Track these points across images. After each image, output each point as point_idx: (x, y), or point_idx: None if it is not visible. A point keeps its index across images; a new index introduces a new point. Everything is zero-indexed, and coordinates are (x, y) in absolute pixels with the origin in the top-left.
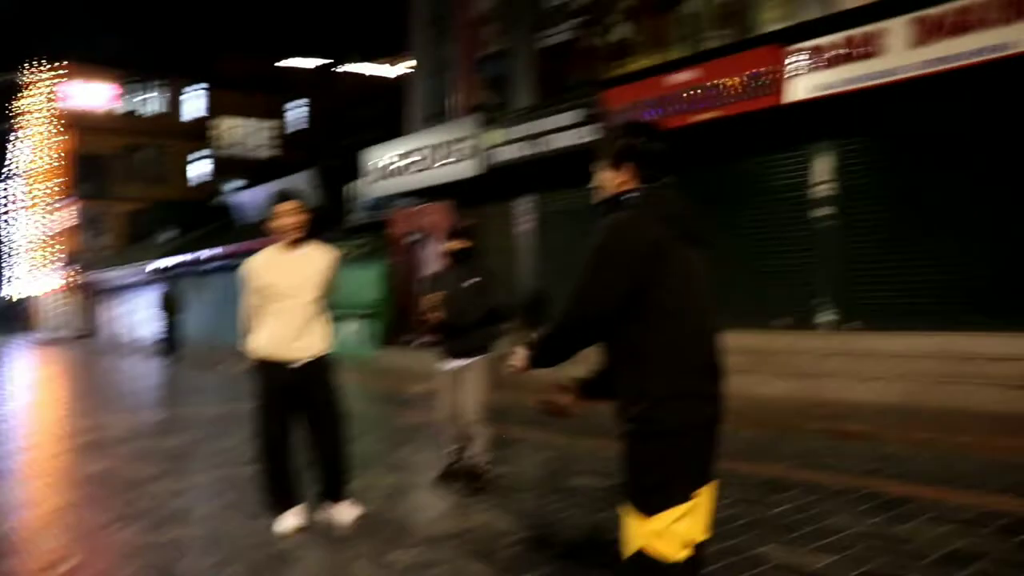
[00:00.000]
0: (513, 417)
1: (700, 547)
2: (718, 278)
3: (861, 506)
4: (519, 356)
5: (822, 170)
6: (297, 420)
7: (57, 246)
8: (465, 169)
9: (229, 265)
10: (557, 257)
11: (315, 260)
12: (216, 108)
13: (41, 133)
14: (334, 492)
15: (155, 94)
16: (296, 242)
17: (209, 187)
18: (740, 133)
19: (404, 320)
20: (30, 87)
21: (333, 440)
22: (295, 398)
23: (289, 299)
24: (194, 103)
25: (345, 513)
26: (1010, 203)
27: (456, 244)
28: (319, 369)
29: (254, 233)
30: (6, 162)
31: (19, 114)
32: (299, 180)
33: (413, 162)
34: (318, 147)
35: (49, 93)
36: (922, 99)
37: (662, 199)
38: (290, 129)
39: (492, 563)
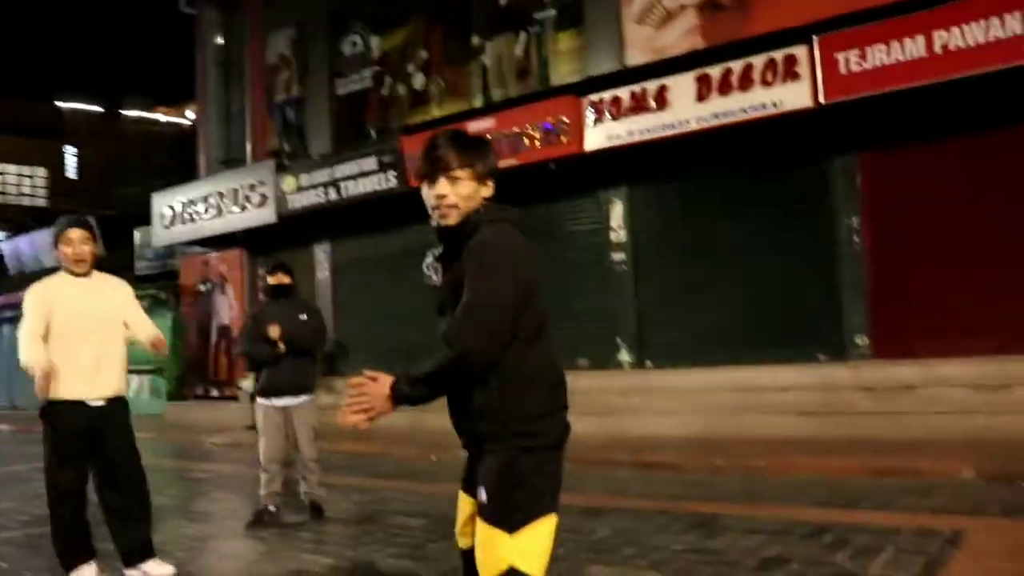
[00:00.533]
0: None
1: None
2: None
3: (675, 526)
4: (373, 400)
5: (617, 215)
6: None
7: None
8: (259, 216)
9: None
10: (353, 305)
11: (111, 291)
12: None
13: None
14: (144, 547)
15: None
16: (86, 273)
17: None
18: (539, 179)
19: (196, 372)
20: None
21: (139, 489)
22: (93, 442)
23: (86, 332)
24: None
25: (158, 570)
26: (786, 249)
27: (278, 279)
28: (120, 409)
29: (31, 281)
30: None
31: None
32: None
33: (204, 209)
34: (99, 195)
35: None
36: (706, 150)
37: (524, 217)
38: (69, 175)
39: None
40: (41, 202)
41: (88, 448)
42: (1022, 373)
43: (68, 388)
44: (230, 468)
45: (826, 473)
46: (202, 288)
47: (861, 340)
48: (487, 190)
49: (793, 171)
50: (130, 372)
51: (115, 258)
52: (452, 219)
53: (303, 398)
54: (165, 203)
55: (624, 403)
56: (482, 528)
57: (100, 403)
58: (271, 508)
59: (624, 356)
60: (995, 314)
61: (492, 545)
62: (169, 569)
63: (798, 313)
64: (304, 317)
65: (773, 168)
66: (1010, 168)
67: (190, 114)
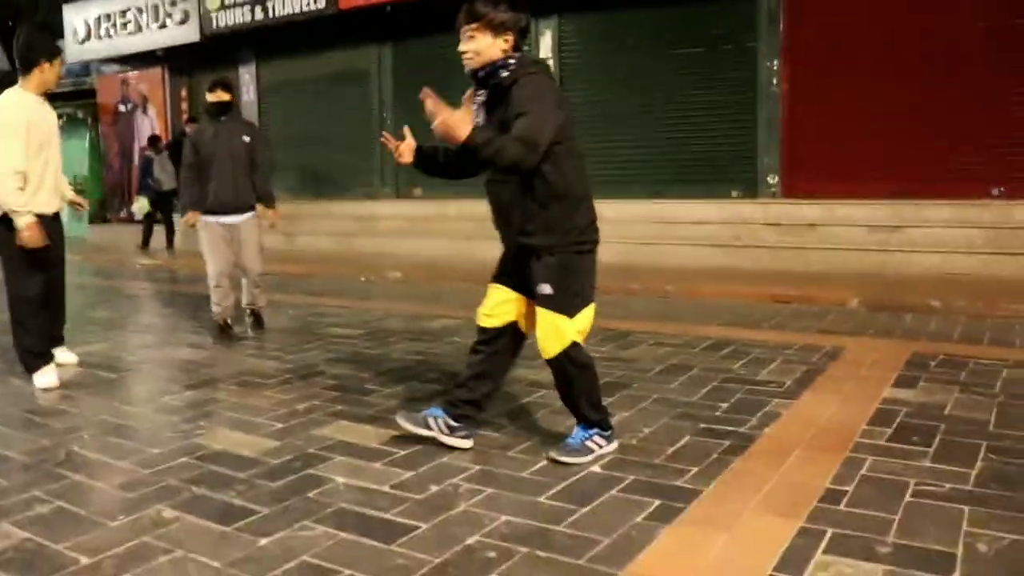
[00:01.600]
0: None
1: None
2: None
3: (593, 338)
4: (461, 121)
5: (546, 46)
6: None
7: None
8: (182, 34)
9: None
10: (279, 128)
11: (53, 114)
12: None
13: None
14: (58, 339)
15: None
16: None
17: None
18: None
19: (118, 195)
20: None
21: (62, 289)
22: (51, 249)
23: (50, 151)
24: None
25: (65, 356)
26: (709, 88)
27: (218, 96)
28: (59, 223)
29: None
30: None
31: None
32: None
33: (123, 24)
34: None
35: None
36: None
37: (546, 65)
38: None
39: (268, 388)
40: None
41: (47, 253)
42: (913, 216)
43: (36, 203)
44: (165, 287)
45: (731, 298)
46: (122, 108)
47: (772, 179)
48: (505, 41)
49: (720, 10)
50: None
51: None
52: (475, 64)
53: (247, 215)
54: (79, 17)
55: None
56: (546, 315)
57: (50, 214)
58: (228, 321)
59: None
60: (895, 160)
61: (557, 328)
62: (73, 357)
63: (716, 151)
64: (247, 139)
65: (701, 6)
66: (927, 19)
67: None
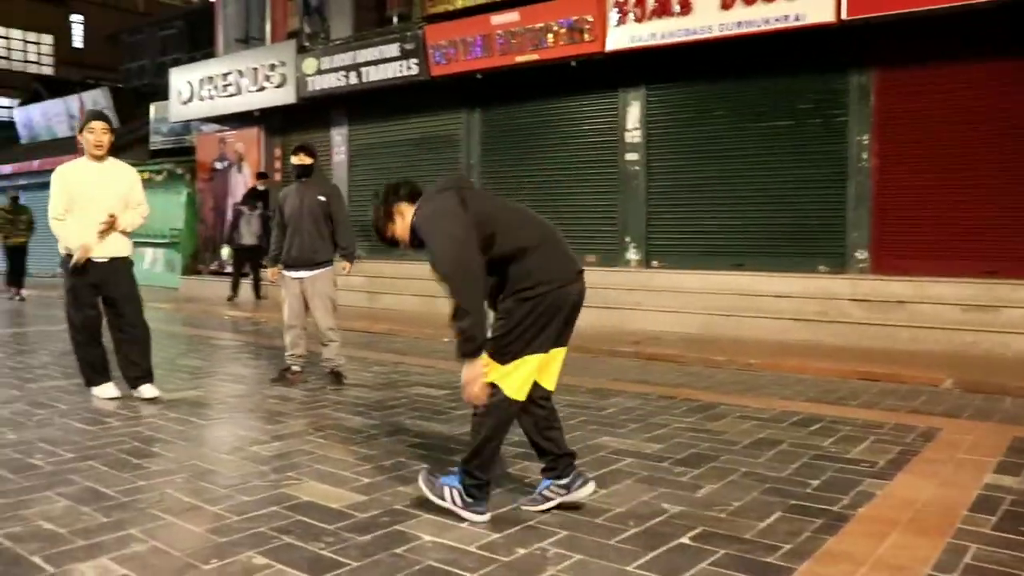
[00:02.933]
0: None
1: (546, 397)
2: (533, 210)
3: (676, 409)
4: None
5: (633, 116)
6: (106, 309)
7: None
8: (278, 96)
9: (14, 186)
10: (367, 189)
11: (120, 174)
12: None
13: None
14: (144, 374)
15: None
16: (101, 158)
17: None
18: (558, 76)
19: (210, 248)
20: None
21: (138, 327)
22: (101, 288)
23: (97, 207)
24: None
25: (151, 392)
26: (796, 161)
27: (300, 159)
28: (122, 265)
29: (44, 151)
30: None
31: None
32: (92, 98)
33: (223, 86)
34: (105, 66)
35: None
36: (725, 57)
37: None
38: (75, 44)
39: (353, 444)
40: (47, 70)
41: (97, 293)
42: (1008, 297)
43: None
44: (252, 339)
45: (817, 374)
46: (218, 165)
47: (861, 255)
48: (403, 214)
49: (808, 84)
50: (146, 245)
51: (126, 130)
52: (410, 243)
53: (319, 270)
54: (183, 79)
55: (628, 299)
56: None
57: (104, 260)
58: (295, 368)
59: (631, 255)
60: (989, 238)
61: (489, 371)
62: (157, 392)
63: (803, 225)
64: (323, 198)
65: (789, 80)
66: (1016, 96)
67: None
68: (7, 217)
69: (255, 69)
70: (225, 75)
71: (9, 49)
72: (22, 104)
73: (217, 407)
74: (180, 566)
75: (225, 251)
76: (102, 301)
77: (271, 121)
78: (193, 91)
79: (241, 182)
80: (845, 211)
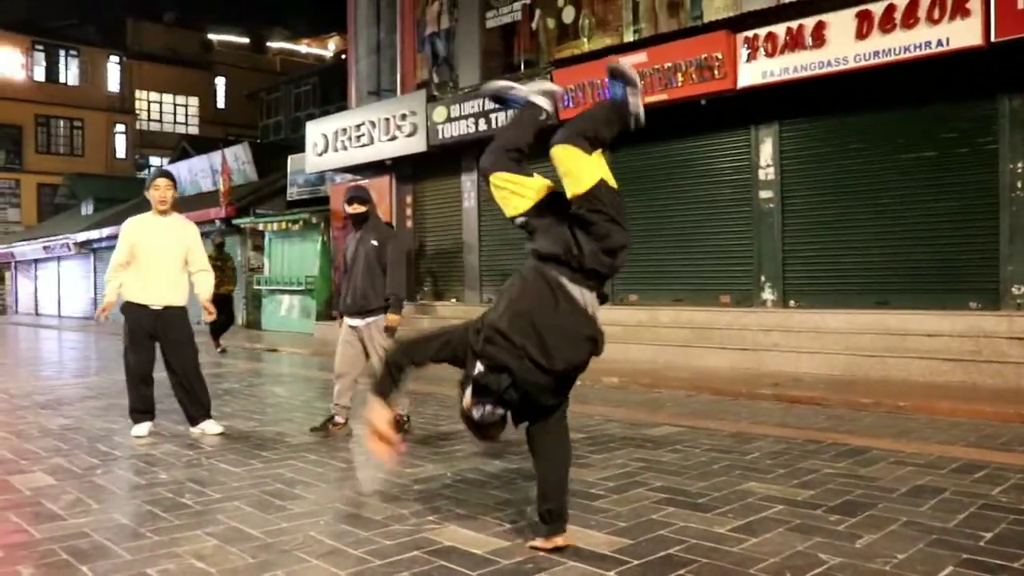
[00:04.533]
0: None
1: None
2: (667, 255)
3: (826, 454)
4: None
5: (766, 153)
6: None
7: None
8: (409, 145)
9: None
10: (496, 233)
11: (181, 230)
12: (137, 81)
13: None
14: (201, 412)
15: (73, 63)
16: (165, 212)
17: (131, 161)
18: (688, 114)
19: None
20: None
21: (191, 370)
22: (156, 335)
23: (158, 257)
24: (114, 75)
25: (213, 428)
26: (942, 192)
27: (354, 208)
28: (177, 314)
29: (191, 205)
30: None
31: None
32: (232, 154)
33: (356, 137)
34: (244, 123)
35: None
36: (862, 88)
37: None
38: (218, 104)
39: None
40: (194, 129)
41: (153, 338)
42: None
43: (138, 295)
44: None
45: (973, 416)
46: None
47: (1018, 290)
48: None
49: (953, 111)
50: (283, 293)
51: (265, 183)
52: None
53: (371, 318)
54: (318, 131)
55: (766, 340)
56: None
57: (158, 307)
58: (338, 419)
59: (767, 294)
60: None
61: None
62: (219, 428)
63: (950, 259)
64: (375, 243)
65: (932, 108)
66: None
67: (332, 46)
68: (214, 263)
69: (387, 119)
70: (358, 126)
71: (161, 112)
72: (171, 162)
73: (354, 449)
74: None
75: None
76: (159, 346)
77: (402, 169)
78: (328, 143)
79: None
80: (998, 244)
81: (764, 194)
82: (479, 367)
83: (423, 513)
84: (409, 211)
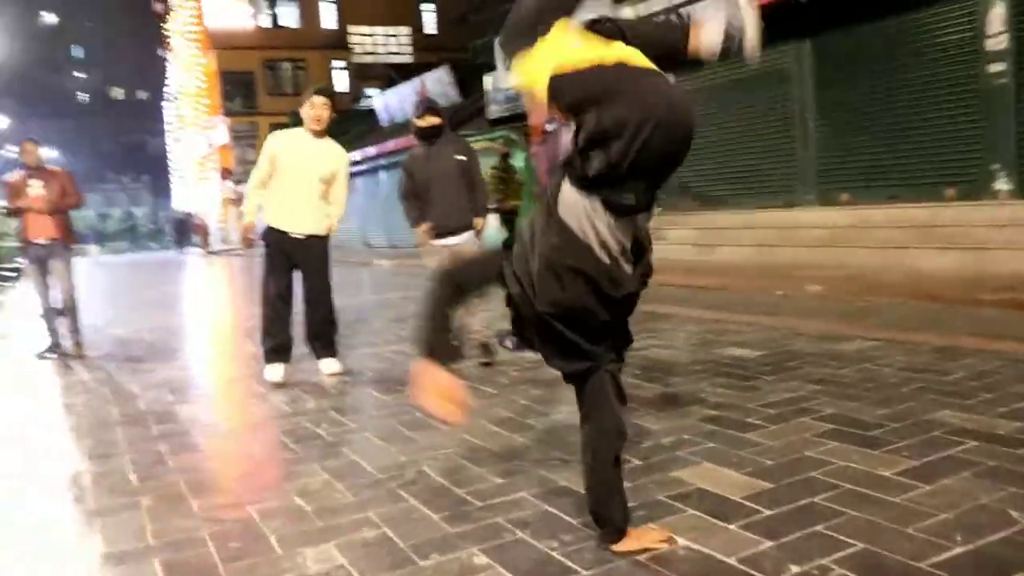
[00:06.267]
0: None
1: None
2: (880, 148)
3: None
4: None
5: (995, 18)
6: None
7: (213, 163)
8: None
9: (375, 166)
10: (700, 137)
11: (330, 156)
12: (350, 17)
13: (191, 54)
14: (327, 347)
15: (293, 7)
16: (320, 133)
17: (351, 94)
18: None
19: None
20: (176, 9)
21: (324, 305)
22: (294, 264)
23: (300, 181)
24: (328, 14)
25: (334, 366)
26: None
27: (428, 121)
28: (316, 244)
29: (399, 132)
30: (167, 84)
31: (168, 38)
32: (434, 78)
33: None
34: (456, 48)
35: (192, 14)
36: None
37: None
38: (428, 31)
39: None
40: (407, 58)
41: (291, 266)
42: None
43: (278, 219)
44: None
45: None
46: (548, 127)
47: None
48: None
49: None
50: (488, 210)
51: (469, 103)
52: None
53: (464, 236)
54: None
55: (998, 237)
56: None
57: (300, 236)
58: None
59: (1000, 184)
60: None
61: None
62: (336, 367)
63: None
64: (460, 158)
65: None
66: None
67: None
68: (499, 175)
69: None
70: None
71: (374, 44)
72: (381, 91)
73: (499, 380)
74: (398, 560)
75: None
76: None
77: None
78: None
79: (566, 142)
80: None
81: (994, 67)
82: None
83: (544, 449)
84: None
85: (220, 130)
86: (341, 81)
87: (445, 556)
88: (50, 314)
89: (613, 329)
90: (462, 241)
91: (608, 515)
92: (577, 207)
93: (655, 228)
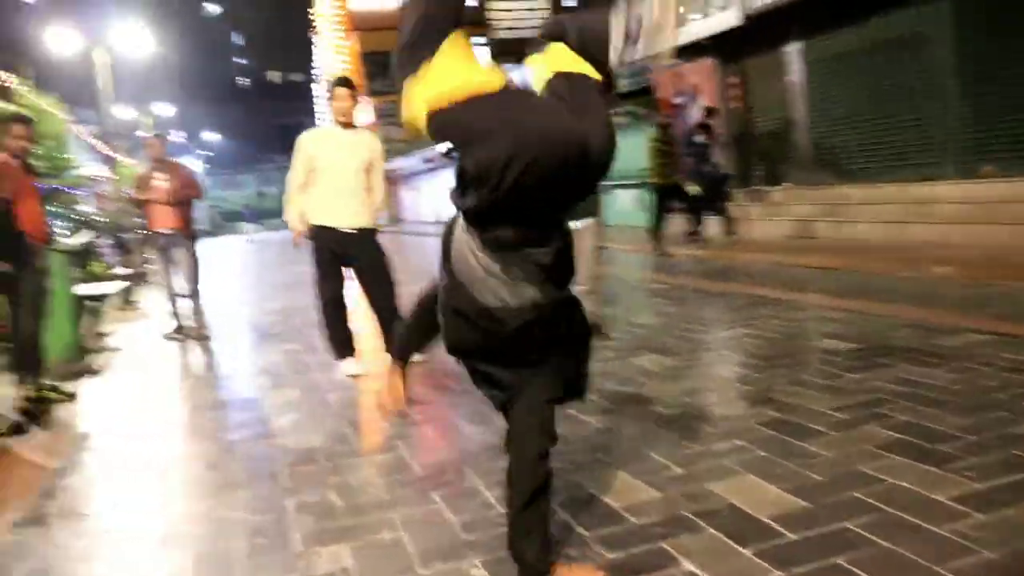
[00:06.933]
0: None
1: None
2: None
3: None
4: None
5: None
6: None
7: None
8: (723, 20)
9: None
10: (829, 106)
11: (363, 145)
12: None
13: (336, 36)
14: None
15: None
16: (347, 125)
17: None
18: None
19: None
20: None
21: (385, 297)
22: (346, 259)
23: (339, 176)
24: None
25: (349, 367)
26: None
27: None
28: (368, 236)
29: None
30: (314, 67)
31: (314, 21)
32: None
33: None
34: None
35: None
36: None
37: None
38: (565, 3)
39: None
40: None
41: (342, 264)
42: None
43: (323, 217)
44: (689, 281)
45: None
46: (678, 101)
47: None
48: None
49: None
50: (617, 188)
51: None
52: None
53: (582, 222)
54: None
55: None
56: None
57: (348, 231)
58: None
59: None
60: None
61: None
62: (354, 369)
63: None
64: None
65: None
66: None
67: None
68: (660, 148)
69: None
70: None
71: (513, 19)
72: (518, 66)
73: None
74: (402, 566)
75: (694, 188)
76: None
77: (721, 49)
78: (640, 29)
79: (695, 114)
80: None
81: None
82: None
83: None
84: (734, 92)
85: (366, 110)
86: (482, 58)
87: (446, 565)
88: (173, 298)
89: (525, 360)
90: (585, 225)
91: (519, 555)
92: (461, 242)
93: (779, 203)
